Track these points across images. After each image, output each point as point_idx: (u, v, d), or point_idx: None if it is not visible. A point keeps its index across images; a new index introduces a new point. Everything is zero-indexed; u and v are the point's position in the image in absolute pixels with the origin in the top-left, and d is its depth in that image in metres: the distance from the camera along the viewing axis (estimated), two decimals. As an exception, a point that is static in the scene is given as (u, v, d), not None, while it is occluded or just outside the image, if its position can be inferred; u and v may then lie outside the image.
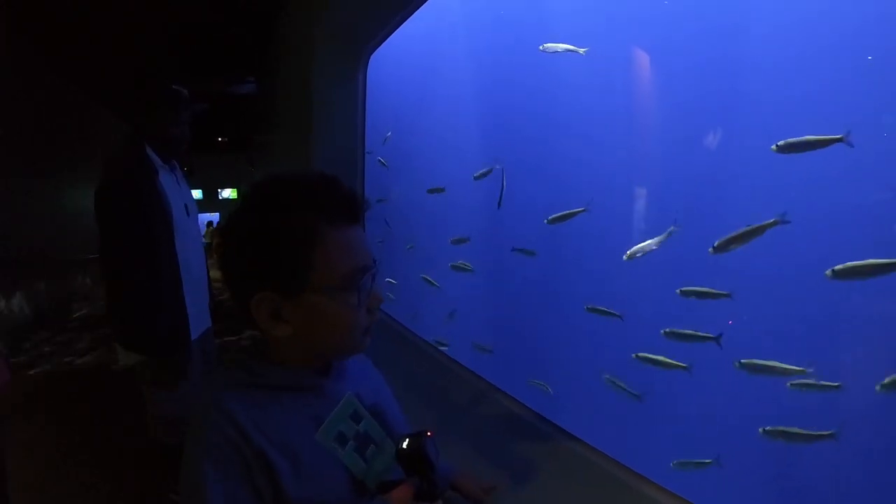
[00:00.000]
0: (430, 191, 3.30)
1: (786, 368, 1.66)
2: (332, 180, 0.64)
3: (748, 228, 1.63)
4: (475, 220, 3.19)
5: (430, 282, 3.46)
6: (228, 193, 21.23)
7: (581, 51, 2.40)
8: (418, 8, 2.33)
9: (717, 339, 1.83)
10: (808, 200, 1.67)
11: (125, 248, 1.60)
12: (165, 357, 1.69)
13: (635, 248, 2.09)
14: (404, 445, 0.66)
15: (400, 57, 3.28)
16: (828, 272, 1.46)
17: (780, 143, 1.59)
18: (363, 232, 0.67)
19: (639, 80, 2.49)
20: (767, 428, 1.67)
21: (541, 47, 2.47)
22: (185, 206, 1.82)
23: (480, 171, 2.87)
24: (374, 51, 2.86)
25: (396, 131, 3.64)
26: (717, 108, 2.12)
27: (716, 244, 1.68)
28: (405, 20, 2.50)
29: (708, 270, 1.88)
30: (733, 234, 1.66)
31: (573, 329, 2.56)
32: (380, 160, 3.60)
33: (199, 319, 1.84)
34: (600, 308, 2.27)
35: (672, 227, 2.01)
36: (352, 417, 0.68)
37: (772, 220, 1.61)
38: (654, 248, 2.06)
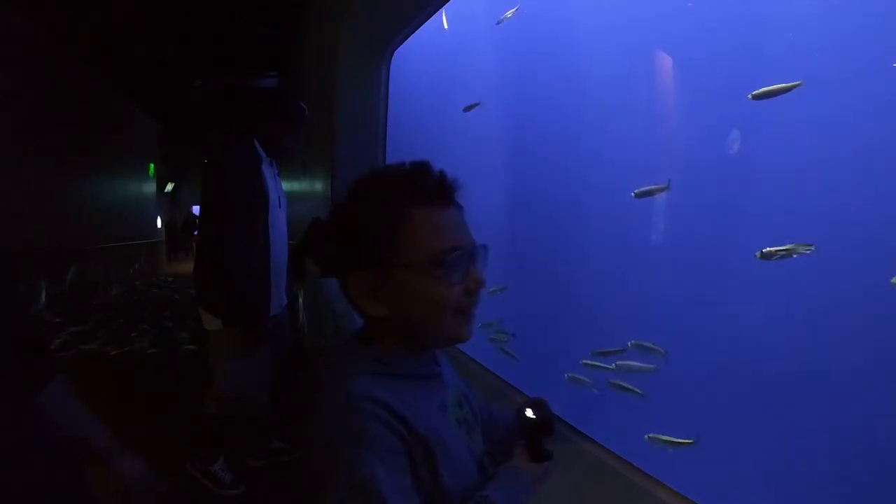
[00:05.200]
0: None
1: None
2: (422, 166, 0.67)
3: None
4: (489, 221, 3.18)
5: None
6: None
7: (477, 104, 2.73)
8: (442, 6, 2.35)
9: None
10: (826, 199, 1.65)
11: (230, 221, 1.82)
12: (247, 325, 1.89)
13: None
14: (530, 414, 0.71)
15: (423, 54, 3.30)
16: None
17: (637, 190, 1.94)
18: (460, 214, 0.69)
19: (661, 77, 2.47)
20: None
21: (463, 110, 2.78)
22: (279, 198, 2.08)
23: None
24: (396, 48, 2.89)
25: (417, 128, 3.65)
26: (738, 105, 2.09)
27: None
28: (428, 18, 2.53)
29: (723, 268, 1.87)
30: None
31: (583, 326, 2.55)
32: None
33: (277, 300, 2.05)
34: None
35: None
36: (458, 402, 0.71)
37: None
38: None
